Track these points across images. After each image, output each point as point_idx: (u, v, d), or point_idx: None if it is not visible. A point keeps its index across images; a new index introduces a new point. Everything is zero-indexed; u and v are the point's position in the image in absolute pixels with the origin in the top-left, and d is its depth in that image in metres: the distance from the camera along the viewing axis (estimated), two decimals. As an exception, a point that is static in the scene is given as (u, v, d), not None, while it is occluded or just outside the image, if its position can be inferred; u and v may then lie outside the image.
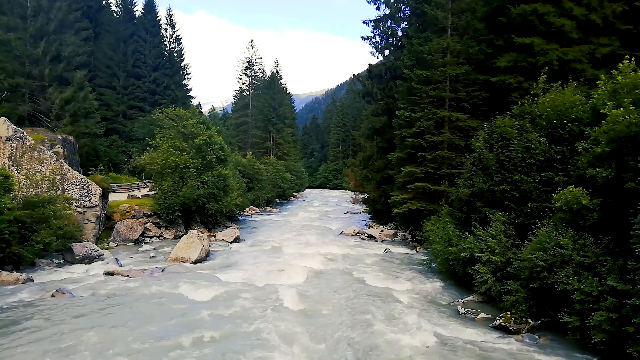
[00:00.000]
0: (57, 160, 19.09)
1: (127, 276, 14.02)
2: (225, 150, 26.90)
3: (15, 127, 18.43)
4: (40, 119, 28.44)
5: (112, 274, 14.28)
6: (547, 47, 16.67)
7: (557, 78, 14.27)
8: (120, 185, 32.15)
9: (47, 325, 9.39)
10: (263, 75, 71.13)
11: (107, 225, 21.17)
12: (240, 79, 70.53)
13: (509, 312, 10.39)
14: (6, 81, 26.90)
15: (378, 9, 29.38)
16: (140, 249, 19.77)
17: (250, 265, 16.44)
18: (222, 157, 26.19)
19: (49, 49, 28.73)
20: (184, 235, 18.81)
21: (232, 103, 79.67)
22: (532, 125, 12.89)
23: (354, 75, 34.97)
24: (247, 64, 69.83)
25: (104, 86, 43.44)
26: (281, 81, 71.02)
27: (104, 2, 49.23)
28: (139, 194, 27.90)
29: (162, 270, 15.00)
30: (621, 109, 9.05)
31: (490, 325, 10.41)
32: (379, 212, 30.69)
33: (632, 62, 10.04)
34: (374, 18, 29.20)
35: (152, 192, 25.65)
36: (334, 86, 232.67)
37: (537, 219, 11.10)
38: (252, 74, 70.23)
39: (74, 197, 18.70)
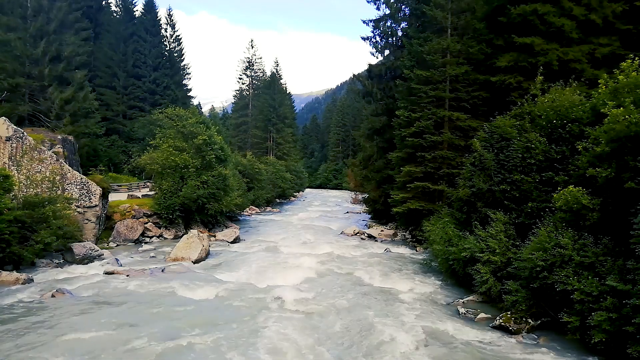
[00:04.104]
0: (57, 160, 19.08)
1: (127, 276, 14.01)
2: (225, 150, 26.90)
3: (15, 127, 18.43)
4: (40, 119, 28.43)
5: (112, 273, 14.28)
6: (547, 47, 16.66)
7: (557, 78, 14.26)
8: (120, 185, 32.14)
9: (47, 325, 9.39)
10: (263, 75, 71.15)
11: (107, 225, 21.17)
12: (240, 79, 70.59)
13: (509, 312, 10.39)
14: (6, 81, 26.88)
15: (378, 9, 29.43)
16: (140, 249, 19.76)
17: (250, 265, 16.43)
18: (222, 157, 26.18)
19: (49, 49, 28.71)
20: (184, 235, 18.82)
21: (232, 103, 79.66)
22: (532, 125, 12.88)
23: (354, 75, 34.95)
24: (247, 64, 69.86)
25: (104, 86, 43.42)
26: (281, 81, 71.00)
27: (104, 2, 49.28)
28: (139, 194, 27.89)
29: (162, 270, 15.00)
30: (621, 108, 9.05)
31: (490, 325, 10.41)
32: (379, 212, 30.69)
33: (635, 61, 9.99)
34: (374, 18, 29.23)
35: (152, 192, 25.64)
36: (334, 86, 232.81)
37: (537, 219, 11.09)
38: (252, 74, 70.24)
39: (74, 197, 18.68)
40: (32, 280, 13.12)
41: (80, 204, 18.98)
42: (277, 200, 52.90)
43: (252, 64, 69.92)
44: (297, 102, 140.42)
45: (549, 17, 16.62)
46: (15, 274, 12.97)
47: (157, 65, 47.19)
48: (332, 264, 17.25)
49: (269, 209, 44.42)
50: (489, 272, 11.53)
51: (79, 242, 17.04)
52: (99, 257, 16.60)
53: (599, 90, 10.72)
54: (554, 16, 16.63)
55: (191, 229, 22.15)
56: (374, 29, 29.36)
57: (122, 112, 44.81)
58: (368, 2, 29.02)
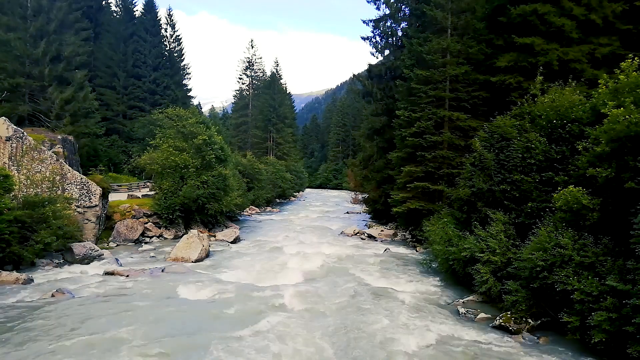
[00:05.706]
0: (57, 160, 19.08)
1: (127, 276, 14.01)
2: (225, 150, 26.90)
3: (15, 127, 18.42)
4: (40, 119, 28.44)
5: (112, 273, 14.28)
6: (547, 47, 16.67)
7: (557, 78, 14.26)
8: (120, 185, 32.16)
9: (47, 325, 9.39)
10: (263, 75, 71.25)
11: (107, 225, 21.16)
12: (240, 79, 70.69)
13: (509, 312, 10.38)
14: (6, 81, 26.90)
15: (378, 8, 29.42)
16: (140, 248, 19.77)
17: (250, 265, 16.44)
18: (222, 157, 26.18)
19: (49, 49, 28.72)
20: (184, 235, 18.82)
21: (232, 103, 79.74)
22: (532, 125, 12.88)
23: (354, 75, 34.94)
24: (247, 64, 69.96)
25: (104, 86, 43.47)
26: (281, 81, 71.08)
27: (104, 2, 49.32)
28: (139, 194, 27.89)
29: (162, 270, 15.00)
30: (622, 108, 9.04)
31: (490, 325, 10.41)
32: (379, 212, 30.68)
33: (635, 60, 9.98)
34: (374, 18, 29.22)
35: (152, 192, 25.64)
36: (334, 86, 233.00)
37: (537, 219, 11.09)
38: (252, 74, 70.33)
39: (74, 197, 18.68)
40: (32, 280, 13.12)
41: (80, 204, 18.98)
42: (277, 200, 52.90)
43: (252, 64, 70.01)
44: (297, 102, 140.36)
45: (549, 17, 16.64)
46: (15, 274, 12.97)
47: (157, 65, 47.23)
48: (332, 264, 17.26)
49: (269, 209, 44.42)
50: (489, 272, 11.53)
51: (79, 242, 17.05)
52: (99, 257, 16.60)
53: (599, 90, 10.72)
54: (554, 16, 16.64)
55: (191, 229, 22.15)
56: (374, 29, 29.37)
57: (122, 112, 44.84)
58: (368, 2, 29.04)
